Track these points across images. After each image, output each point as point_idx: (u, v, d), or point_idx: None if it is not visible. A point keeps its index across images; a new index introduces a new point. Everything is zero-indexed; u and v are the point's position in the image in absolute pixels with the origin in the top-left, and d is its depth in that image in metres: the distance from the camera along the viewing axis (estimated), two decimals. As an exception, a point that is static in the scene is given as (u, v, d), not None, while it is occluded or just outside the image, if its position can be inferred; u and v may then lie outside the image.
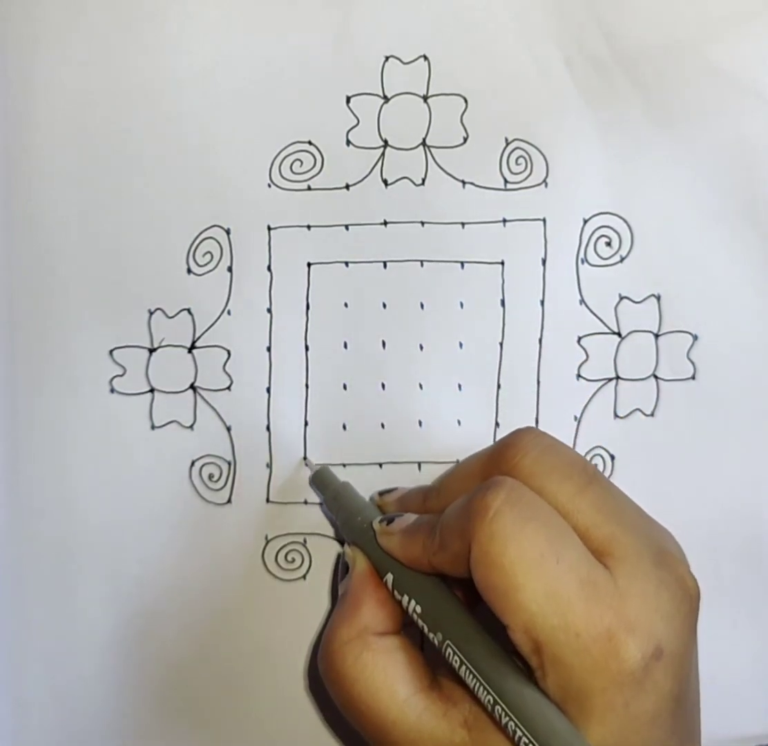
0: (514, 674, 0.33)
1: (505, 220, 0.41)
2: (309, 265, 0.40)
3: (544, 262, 0.41)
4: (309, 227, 0.40)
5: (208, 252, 0.40)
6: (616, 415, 0.42)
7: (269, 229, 0.40)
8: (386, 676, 0.35)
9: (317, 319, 0.41)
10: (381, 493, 0.40)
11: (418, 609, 0.35)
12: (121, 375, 0.40)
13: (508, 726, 0.32)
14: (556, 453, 0.36)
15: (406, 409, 0.41)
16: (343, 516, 0.39)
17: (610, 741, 0.32)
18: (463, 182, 0.40)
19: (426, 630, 0.35)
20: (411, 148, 0.40)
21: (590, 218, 0.41)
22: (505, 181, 0.40)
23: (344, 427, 0.41)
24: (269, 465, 0.41)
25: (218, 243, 0.40)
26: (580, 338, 0.42)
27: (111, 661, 0.41)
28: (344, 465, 0.41)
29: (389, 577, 0.37)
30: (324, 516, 0.41)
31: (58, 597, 0.41)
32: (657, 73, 0.40)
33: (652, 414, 0.42)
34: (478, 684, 0.33)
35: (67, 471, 0.40)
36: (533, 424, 0.42)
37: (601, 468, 0.42)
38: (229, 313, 0.40)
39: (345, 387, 0.41)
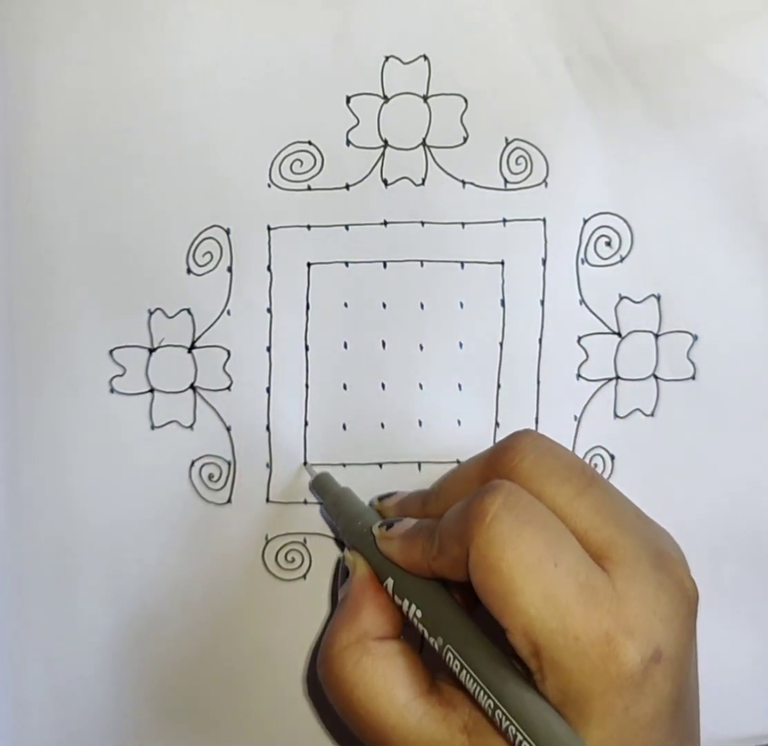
0: (514, 678, 0.33)
1: (505, 220, 0.41)
2: (309, 265, 0.40)
3: (544, 261, 0.41)
4: (309, 227, 0.40)
5: (208, 252, 0.40)
6: (616, 415, 0.42)
7: (269, 229, 0.40)
8: (386, 681, 0.35)
9: (317, 319, 0.41)
10: (380, 498, 0.40)
11: (418, 613, 0.35)
12: (121, 375, 0.40)
13: (509, 731, 0.32)
14: (554, 456, 0.36)
15: (406, 409, 0.41)
16: (343, 521, 0.39)
17: (609, 744, 0.32)
18: (463, 182, 0.40)
19: (426, 634, 0.35)
20: (411, 148, 0.40)
21: (590, 218, 0.41)
22: (505, 181, 0.40)
23: (344, 427, 0.41)
24: (269, 465, 0.41)
25: (218, 243, 0.40)
26: (580, 338, 0.42)
27: (111, 661, 0.41)
28: (344, 465, 0.41)
29: (389, 582, 0.37)
30: (327, 516, 0.41)
31: (58, 597, 0.41)
32: (657, 73, 0.40)
33: (652, 414, 0.42)
34: (478, 688, 0.33)
35: (67, 471, 0.40)
36: (533, 424, 0.42)
37: (600, 468, 0.42)
38: (229, 313, 0.40)
39: (345, 387, 0.41)
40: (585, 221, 0.41)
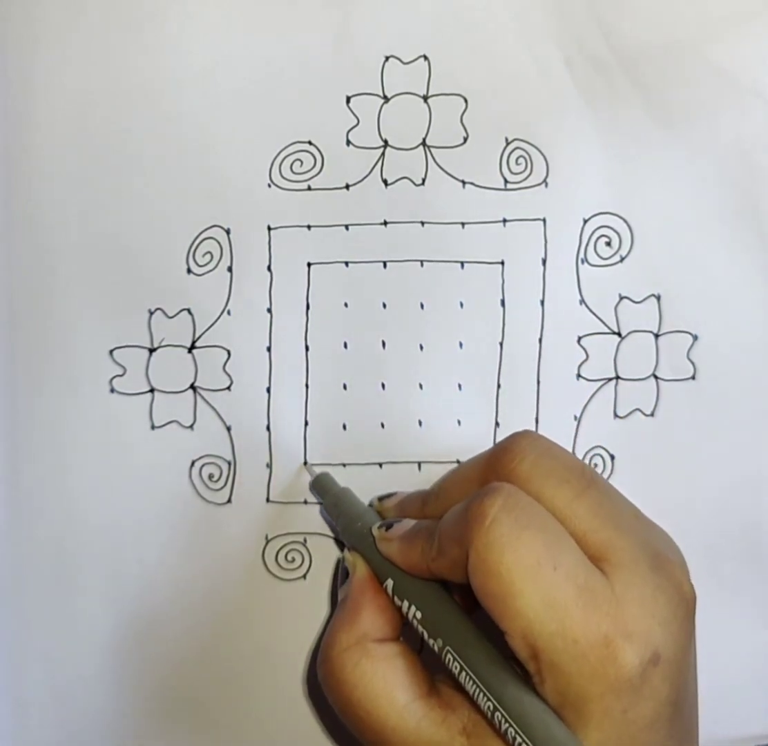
0: (514, 680, 0.33)
1: (505, 220, 0.41)
2: (309, 264, 0.40)
3: (544, 261, 0.41)
4: (309, 227, 0.40)
5: (208, 252, 0.40)
6: (616, 415, 0.42)
7: (269, 229, 0.40)
8: (385, 683, 0.35)
9: (317, 318, 0.41)
10: (380, 498, 0.40)
11: (418, 615, 0.35)
12: (121, 375, 0.40)
13: (508, 733, 0.32)
14: (553, 457, 0.36)
15: (406, 409, 0.41)
16: (343, 522, 0.39)
17: None
18: (463, 182, 0.40)
19: (426, 636, 0.35)
20: (411, 148, 0.40)
21: (590, 218, 0.41)
22: (505, 181, 0.40)
23: (344, 427, 0.41)
24: (269, 465, 0.41)
25: (218, 243, 0.40)
26: (580, 338, 0.42)
27: (111, 661, 0.41)
28: (344, 465, 0.41)
29: (389, 583, 0.37)
30: (323, 518, 0.41)
31: (58, 597, 0.41)
32: (657, 73, 0.40)
33: (652, 414, 0.42)
34: (477, 690, 0.33)
35: (67, 471, 0.40)
36: (533, 424, 0.42)
37: (600, 468, 0.42)
38: (229, 313, 0.40)
39: (345, 387, 0.41)
40: (585, 221, 0.41)
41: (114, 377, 0.40)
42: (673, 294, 0.41)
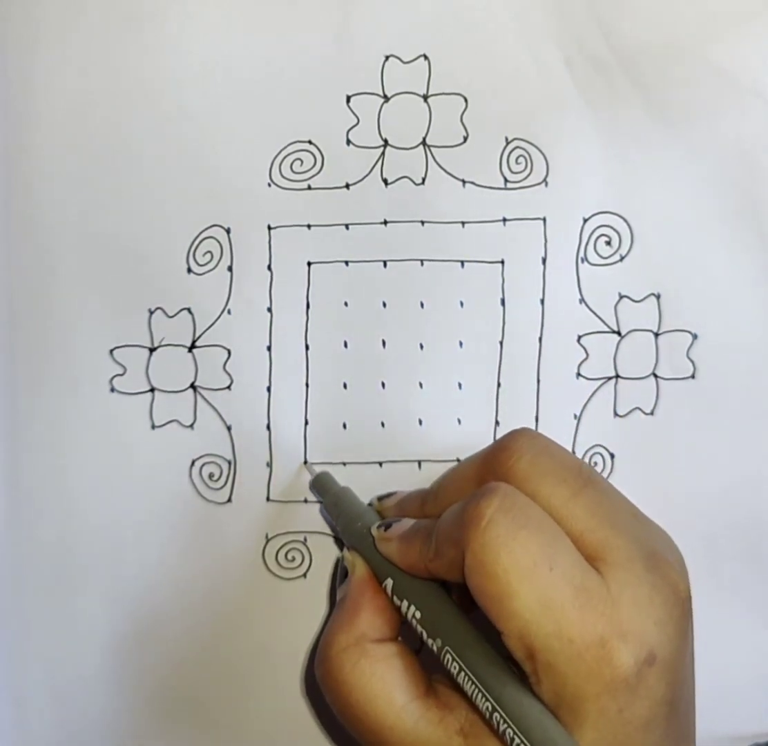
0: (512, 681, 0.33)
1: (505, 219, 0.41)
2: (309, 264, 0.40)
3: (544, 261, 0.41)
4: (309, 226, 0.40)
5: (209, 251, 0.40)
6: (615, 414, 0.42)
7: (269, 228, 0.40)
8: (383, 684, 0.35)
9: (317, 318, 0.41)
10: (380, 498, 0.40)
11: (418, 614, 0.35)
12: (122, 375, 0.40)
13: (506, 734, 0.32)
14: (550, 455, 0.36)
15: (406, 408, 0.41)
16: (343, 522, 0.39)
17: None
18: (463, 181, 0.40)
19: (425, 636, 0.35)
20: (411, 148, 0.40)
21: (590, 217, 0.41)
22: (505, 180, 0.40)
23: (344, 426, 0.41)
24: (269, 464, 0.41)
25: (218, 242, 0.40)
26: (579, 337, 0.42)
27: (111, 661, 0.41)
28: (344, 464, 0.41)
29: (388, 582, 0.37)
30: (323, 517, 0.41)
31: (58, 597, 0.41)
32: (657, 73, 0.40)
33: (651, 413, 0.42)
34: (476, 690, 0.33)
35: (67, 471, 0.40)
36: (533, 423, 0.42)
37: (600, 466, 0.42)
38: (229, 312, 0.40)
39: (345, 386, 0.41)
40: (585, 220, 0.41)
41: (114, 377, 0.40)
42: (673, 293, 0.42)
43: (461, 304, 0.41)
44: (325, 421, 0.41)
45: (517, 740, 0.32)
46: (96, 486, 0.40)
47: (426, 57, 0.39)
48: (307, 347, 0.41)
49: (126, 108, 0.39)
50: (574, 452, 0.42)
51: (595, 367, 0.42)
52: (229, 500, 0.41)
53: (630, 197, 0.41)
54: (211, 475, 0.41)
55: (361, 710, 0.35)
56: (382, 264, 0.41)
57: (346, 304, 0.41)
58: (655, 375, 0.42)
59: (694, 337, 0.42)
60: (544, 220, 0.41)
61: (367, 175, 0.40)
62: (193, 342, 0.40)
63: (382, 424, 0.41)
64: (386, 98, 0.40)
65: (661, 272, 0.41)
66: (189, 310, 0.40)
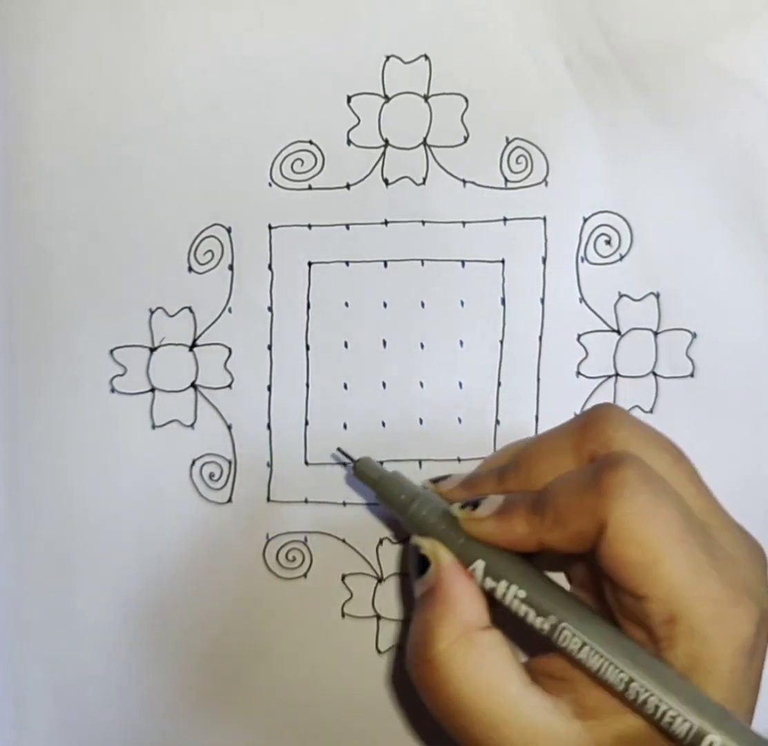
0: (640, 650, 0.33)
1: (505, 219, 0.41)
2: (310, 264, 0.40)
3: (544, 260, 0.41)
4: (310, 226, 0.40)
5: (209, 250, 0.40)
6: (615, 412, 0.42)
7: (270, 227, 0.40)
8: (497, 675, 0.34)
9: (318, 317, 0.41)
10: (434, 481, 0.39)
11: (521, 594, 0.34)
12: (122, 375, 0.40)
13: (648, 702, 0.32)
14: (644, 426, 0.36)
15: (406, 408, 0.41)
16: (410, 510, 0.37)
17: (731, 707, 0.32)
18: (464, 181, 0.40)
19: (531, 616, 0.34)
20: (412, 148, 0.40)
21: (590, 217, 0.41)
22: (506, 180, 0.41)
23: (345, 426, 0.41)
24: (270, 464, 0.41)
25: (219, 241, 0.40)
26: (579, 336, 0.42)
27: (111, 661, 0.41)
28: (345, 464, 0.41)
29: (478, 565, 0.35)
30: (328, 515, 0.41)
31: (58, 597, 0.41)
32: (657, 73, 0.40)
33: (651, 411, 0.42)
34: (606, 663, 0.33)
35: (67, 471, 0.40)
36: (533, 421, 0.42)
37: (600, 465, 0.42)
38: (229, 311, 0.40)
39: (346, 386, 0.41)
40: (585, 220, 0.41)
41: (114, 377, 0.40)
42: (673, 292, 0.42)
43: (462, 303, 0.41)
44: (326, 421, 0.41)
45: (662, 707, 0.31)
46: (96, 486, 0.40)
47: (426, 57, 0.40)
48: (307, 347, 0.41)
49: (126, 108, 0.39)
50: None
51: (594, 366, 0.42)
52: (230, 500, 0.41)
53: (630, 197, 0.41)
54: (211, 475, 0.41)
55: (475, 704, 0.33)
56: (382, 264, 0.41)
57: (346, 304, 0.41)
58: (655, 374, 0.42)
59: (694, 335, 0.42)
60: (544, 219, 0.41)
61: (367, 175, 0.40)
62: (194, 341, 0.40)
63: (383, 424, 0.41)
64: (387, 98, 0.40)
65: (661, 271, 0.42)
66: (190, 308, 0.40)
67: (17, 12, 0.38)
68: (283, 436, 0.41)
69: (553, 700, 0.33)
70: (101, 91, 0.39)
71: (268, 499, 0.41)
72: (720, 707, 0.32)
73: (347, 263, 0.41)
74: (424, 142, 0.40)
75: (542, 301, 0.41)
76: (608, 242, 0.41)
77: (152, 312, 0.40)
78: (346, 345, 0.41)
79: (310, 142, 0.40)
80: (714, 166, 0.41)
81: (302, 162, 0.40)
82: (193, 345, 0.40)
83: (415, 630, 0.35)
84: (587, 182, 0.41)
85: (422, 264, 0.41)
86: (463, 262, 0.41)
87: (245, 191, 0.40)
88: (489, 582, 0.35)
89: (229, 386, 0.41)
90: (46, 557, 0.41)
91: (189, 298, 0.40)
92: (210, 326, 0.40)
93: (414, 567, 0.36)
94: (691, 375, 0.42)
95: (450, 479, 0.38)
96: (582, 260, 0.41)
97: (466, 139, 0.40)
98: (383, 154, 0.40)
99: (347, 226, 0.40)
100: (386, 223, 0.40)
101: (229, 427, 0.41)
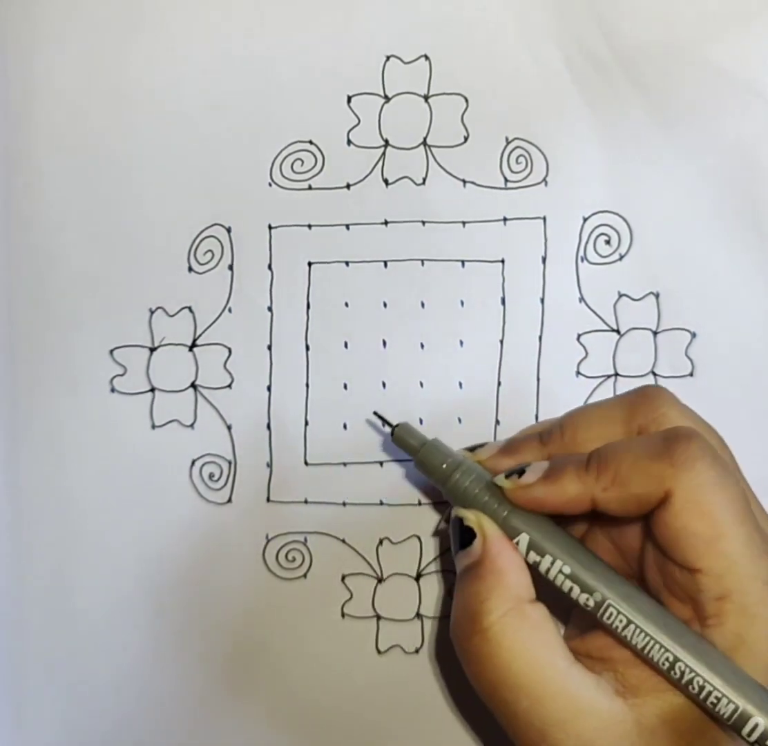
0: (686, 629, 0.33)
1: (505, 219, 0.41)
2: (310, 264, 0.41)
3: (544, 260, 0.41)
4: (310, 226, 0.40)
5: (209, 250, 0.40)
6: (615, 412, 0.42)
7: (270, 227, 0.40)
8: (547, 648, 0.33)
9: (318, 317, 0.41)
10: (470, 449, 0.38)
11: (566, 569, 0.34)
12: (122, 375, 0.40)
13: (694, 682, 0.32)
14: (692, 411, 0.36)
15: (407, 408, 0.41)
16: (452, 480, 0.36)
17: None
18: (464, 181, 0.40)
19: (576, 591, 0.34)
20: (412, 148, 0.40)
21: (590, 216, 0.41)
22: (506, 180, 0.41)
23: (345, 426, 0.41)
24: (270, 465, 0.41)
25: (219, 241, 0.40)
26: (579, 335, 0.42)
27: (111, 661, 0.41)
28: (345, 464, 0.41)
29: (523, 538, 0.34)
30: (328, 515, 0.41)
31: (58, 597, 0.41)
32: (657, 73, 0.40)
33: (651, 411, 0.42)
34: (651, 642, 0.32)
35: (67, 471, 0.40)
36: (533, 421, 0.42)
37: (600, 464, 0.42)
38: (229, 311, 0.40)
39: (345, 386, 0.41)
40: (585, 219, 0.41)
41: (114, 377, 0.40)
42: (672, 292, 0.42)
43: (462, 303, 0.41)
44: (326, 421, 0.41)
45: (707, 688, 0.31)
46: (96, 487, 0.40)
47: (427, 57, 0.40)
48: (307, 347, 0.41)
49: (126, 108, 0.39)
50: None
51: (594, 366, 0.42)
52: (230, 500, 0.41)
53: (629, 197, 0.41)
54: (211, 475, 0.41)
55: (525, 678, 0.33)
56: (382, 264, 0.41)
57: (346, 304, 0.41)
58: (654, 374, 0.42)
59: (693, 335, 0.42)
60: (544, 219, 0.41)
61: (367, 175, 0.40)
62: (194, 341, 0.40)
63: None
64: (387, 98, 0.40)
65: (661, 271, 0.42)
66: (190, 308, 0.40)
67: (17, 12, 0.38)
68: (283, 436, 0.41)
69: (596, 678, 0.33)
70: (101, 91, 0.39)
71: (268, 499, 0.41)
72: (765, 689, 0.32)
73: (347, 263, 0.41)
74: (424, 142, 0.40)
75: (542, 300, 0.41)
76: (608, 242, 0.41)
77: (152, 312, 0.40)
78: (346, 345, 0.41)
79: (310, 142, 0.40)
80: (714, 166, 0.41)
81: (302, 162, 0.40)
82: (193, 345, 0.40)
83: (463, 602, 0.34)
84: (587, 182, 0.41)
85: (422, 264, 0.41)
86: (463, 262, 0.41)
87: (245, 191, 0.40)
88: (533, 556, 0.34)
89: (229, 386, 0.41)
90: (46, 557, 0.40)
91: (189, 298, 0.40)
92: (210, 326, 0.40)
93: (456, 539, 0.36)
94: (691, 374, 0.42)
95: (488, 446, 0.38)
96: (582, 260, 0.41)
97: (466, 139, 0.40)
98: (383, 154, 0.40)
99: (347, 226, 0.40)
100: (386, 223, 0.41)
101: (229, 427, 0.41)
